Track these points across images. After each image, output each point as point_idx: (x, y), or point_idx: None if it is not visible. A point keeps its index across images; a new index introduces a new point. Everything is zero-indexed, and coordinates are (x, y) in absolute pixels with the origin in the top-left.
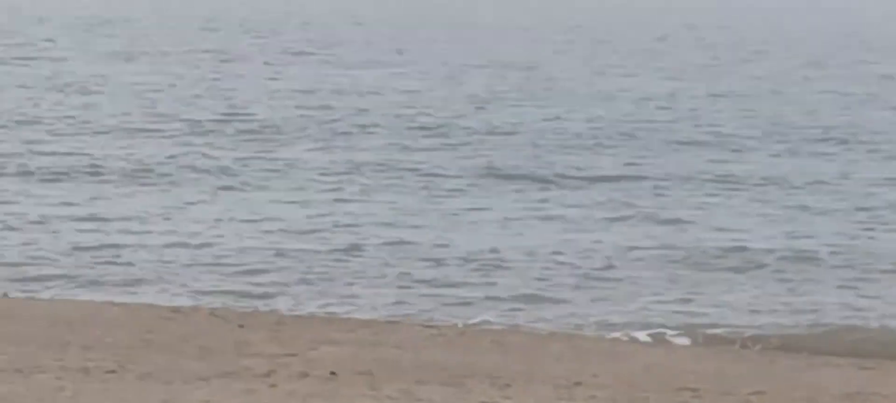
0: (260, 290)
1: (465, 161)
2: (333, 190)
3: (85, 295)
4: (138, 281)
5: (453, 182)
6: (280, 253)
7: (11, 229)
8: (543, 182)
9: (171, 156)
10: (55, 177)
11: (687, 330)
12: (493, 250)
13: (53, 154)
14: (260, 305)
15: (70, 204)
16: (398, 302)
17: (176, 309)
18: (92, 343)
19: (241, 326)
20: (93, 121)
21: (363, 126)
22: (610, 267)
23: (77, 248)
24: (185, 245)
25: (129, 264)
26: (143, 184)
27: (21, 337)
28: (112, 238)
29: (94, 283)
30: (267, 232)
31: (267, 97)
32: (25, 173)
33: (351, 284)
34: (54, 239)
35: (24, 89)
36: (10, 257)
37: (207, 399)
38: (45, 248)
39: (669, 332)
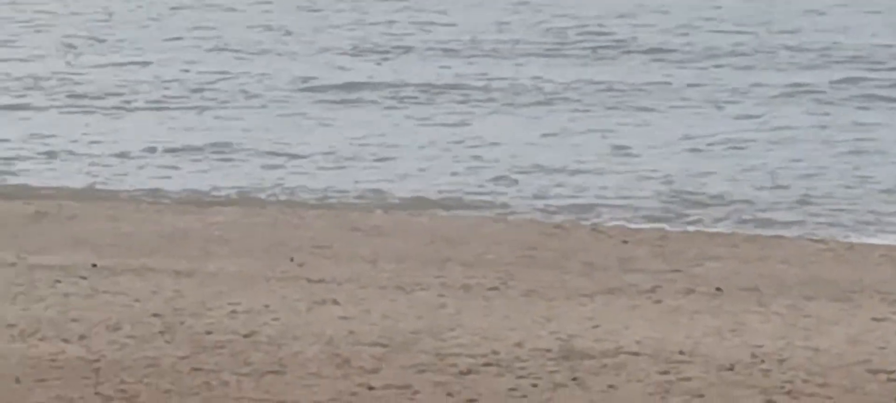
0: (644, 206)
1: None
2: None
3: (464, 214)
4: (521, 198)
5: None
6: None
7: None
8: None
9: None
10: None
11: None
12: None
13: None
14: (644, 220)
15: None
16: (788, 218)
17: (558, 225)
18: (473, 259)
19: (624, 242)
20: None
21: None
22: None
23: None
24: (564, 166)
25: (512, 181)
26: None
27: (402, 254)
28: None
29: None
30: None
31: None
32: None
33: (734, 199)
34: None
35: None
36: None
37: (591, 315)
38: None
39: None
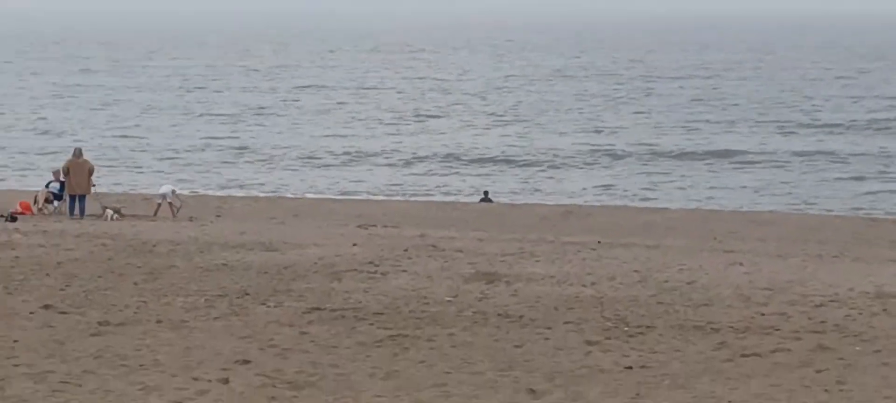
0: None
1: None
2: None
3: None
4: None
5: None
6: None
7: None
8: None
9: None
10: None
11: None
12: None
13: None
14: None
15: None
16: None
17: None
18: (830, 239)
19: None
20: None
21: None
22: None
23: None
24: None
25: None
26: None
27: (783, 236)
28: None
29: None
30: None
31: None
32: None
33: None
34: None
35: None
36: None
37: None
38: None
39: None
